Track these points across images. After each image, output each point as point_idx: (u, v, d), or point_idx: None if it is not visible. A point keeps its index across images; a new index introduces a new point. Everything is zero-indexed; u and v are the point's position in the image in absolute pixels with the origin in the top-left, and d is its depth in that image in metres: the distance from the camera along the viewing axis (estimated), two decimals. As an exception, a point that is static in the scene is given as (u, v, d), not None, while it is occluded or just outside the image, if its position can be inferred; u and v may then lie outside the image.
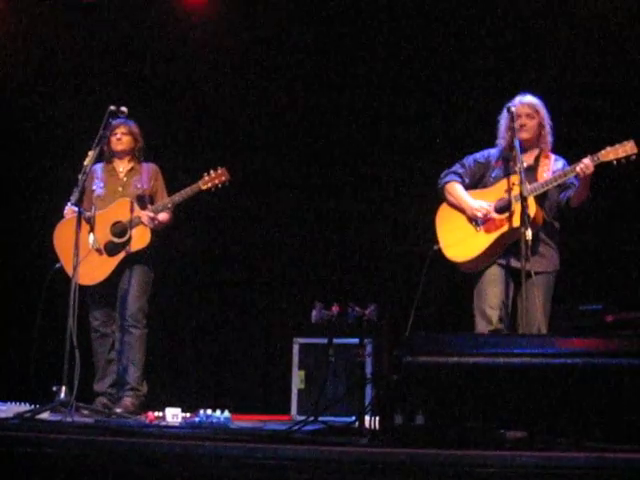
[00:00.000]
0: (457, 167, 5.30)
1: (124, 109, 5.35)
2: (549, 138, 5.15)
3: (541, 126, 5.13)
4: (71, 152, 6.29)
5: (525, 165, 4.93)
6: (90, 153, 5.31)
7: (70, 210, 5.71)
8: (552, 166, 5.08)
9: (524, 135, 5.04)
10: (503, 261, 4.99)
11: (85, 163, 5.29)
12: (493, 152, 5.28)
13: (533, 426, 3.39)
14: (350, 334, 5.38)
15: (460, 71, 6.72)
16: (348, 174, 7.04)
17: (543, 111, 5.15)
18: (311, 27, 7.10)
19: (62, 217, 5.78)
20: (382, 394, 3.72)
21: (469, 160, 5.30)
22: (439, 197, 5.28)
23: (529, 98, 5.16)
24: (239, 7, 7.17)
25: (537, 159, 5.09)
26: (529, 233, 4.58)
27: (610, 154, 4.79)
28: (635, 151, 4.76)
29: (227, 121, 7.27)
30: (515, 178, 4.89)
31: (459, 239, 5.11)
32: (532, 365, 3.52)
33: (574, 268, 6.04)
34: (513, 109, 5.04)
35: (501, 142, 5.23)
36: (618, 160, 4.78)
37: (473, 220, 5.10)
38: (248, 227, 7.24)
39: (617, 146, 4.81)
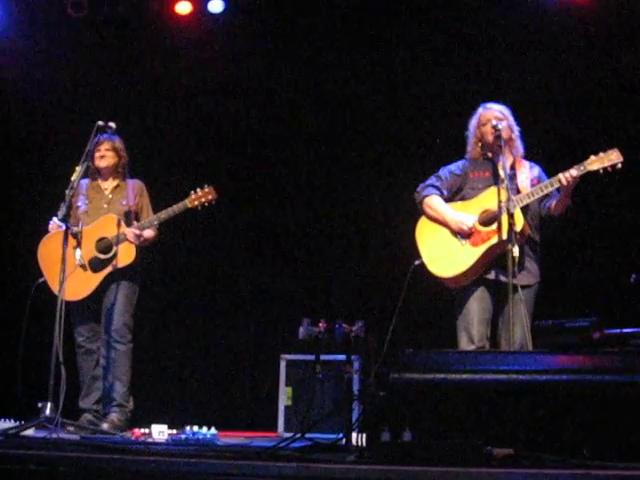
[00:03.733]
0: (434, 180, 5.21)
1: (112, 124, 5.35)
2: (518, 143, 5.14)
3: (511, 128, 5.11)
4: (57, 167, 6.29)
5: (503, 176, 4.94)
6: (77, 168, 5.30)
7: (55, 225, 5.68)
8: (529, 173, 5.08)
9: (504, 134, 4.96)
10: (490, 275, 4.95)
11: (72, 179, 5.27)
12: (465, 163, 5.23)
13: (520, 443, 3.38)
14: (337, 351, 5.38)
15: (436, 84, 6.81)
16: (334, 189, 7.07)
17: (509, 115, 5.15)
18: (299, 41, 7.17)
19: (47, 232, 5.76)
20: (369, 411, 3.71)
21: (445, 172, 5.23)
22: (417, 211, 5.21)
23: (492, 104, 5.18)
24: (227, 24, 7.21)
25: (512, 167, 5.05)
26: (516, 250, 4.57)
27: (596, 163, 4.78)
28: (620, 159, 4.77)
29: (216, 138, 7.29)
30: (495, 190, 4.89)
31: (444, 254, 5.04)
32: (519, 382, 3.52)
33: (561, 284, 6.07)
34: (481, 110, 5.10)
35: (471, 152, 5.21)
36: (604, 169, 4.79)
37: (458, 234, 5.02)
38: (235, 243, 7.24)
39: (602, 155, 4.80)
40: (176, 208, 5.66)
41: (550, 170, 5.07)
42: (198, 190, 5.68)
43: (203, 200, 5.68)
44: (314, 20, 7.07)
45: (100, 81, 7.29)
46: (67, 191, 5.23)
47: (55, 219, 5.65)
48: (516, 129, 5.14)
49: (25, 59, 7.24)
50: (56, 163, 6.69)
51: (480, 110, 5.19)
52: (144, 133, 6.97)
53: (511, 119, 5.13)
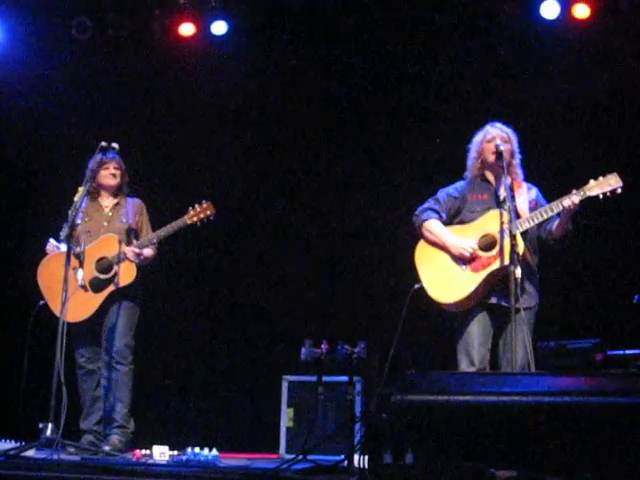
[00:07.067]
0: (432, 203, 5.18)
1: (115, 145, 5.38)
2: (519, 170, 5.11)
3: (513, 154, 5.09)
4: (57, 187, 6.31)
5: (501, 198, 4.92)
6: (80, 189, 5.31)
7: (52, 246, 5.67)
8: (527, 195, 5.05)
9: (506, 155, 4.94)
10: (492, 300, 4.93)
11: (75, 199, 5.28)
12: (464, 185, 5.21)
13: (523, 465, 3.37)
14: (339, 372, 5.36)
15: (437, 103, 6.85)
16: (336, 210, 7.08)
17: (515, 140, 5.13)
18: (302, 63, 7.22)
19: (45, 253, 5.74)
20: (371, 432, 3.70)
21: (443, 195, 5.19)
22: (416, 234, 5.19)
23: (502, 125, 5.16)
24: (230, 46, 7.26)
25: (511, 189, 4.98)
26: (519, 271, 4.55)
27: (595, 188, 4.76)
28: (620, 184, 4.74)
29: (213, 155, 7.31)
30: (497, 214, 4.89)
31: (444, 279, 5.01)
32: (522, 404, 3.50)
33: (563, 306, 6.06)
34: (489, 127, 5.08)
35: (470, 169, 5.18)
36: (604, 195, 4.78)
37: (458, 259, 4.99)
38: (236, 263, 7.24)
39: (601, 179, 4.78)
40: (175, 225, 5.64)
41: (548, 191, 5.08)
42: (196, 206, 5.65)
43: (202, 216, 5.65)
44: (318, 42, 7.10)
45: (102, 102, 7.32)
46: (70, 211, 5.24)
47: (52, 240, 5.64)
48: (517, 156, 5.10)
49: (28, 80, 7.26)
50: (56, 183, 6.70)
51: (488, 127, 5.16)
52: (144, 151, 6.99)
53: (515, 145, 5.11)
